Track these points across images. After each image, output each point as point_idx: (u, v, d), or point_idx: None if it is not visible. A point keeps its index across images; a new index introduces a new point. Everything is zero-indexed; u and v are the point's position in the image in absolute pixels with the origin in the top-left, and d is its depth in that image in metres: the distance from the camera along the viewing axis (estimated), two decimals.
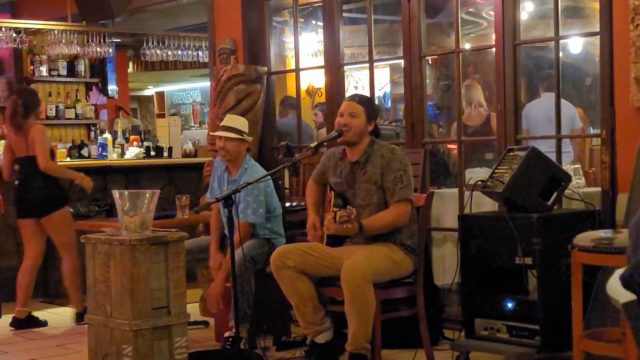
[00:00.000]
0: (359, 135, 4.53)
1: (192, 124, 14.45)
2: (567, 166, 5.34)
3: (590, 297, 4.28)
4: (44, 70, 9.99)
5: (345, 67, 6.54)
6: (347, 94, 6.82)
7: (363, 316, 4.25)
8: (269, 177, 4.76)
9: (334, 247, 4.52)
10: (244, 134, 5.20)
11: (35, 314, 6.31)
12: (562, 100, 6.25)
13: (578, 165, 5.76)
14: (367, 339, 4.31)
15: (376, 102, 6.40)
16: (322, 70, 6.55)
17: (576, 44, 8.29)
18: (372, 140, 4.58)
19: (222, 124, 5.26)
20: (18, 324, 6.06)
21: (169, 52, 10.18)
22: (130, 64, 12.70)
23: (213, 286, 5.07)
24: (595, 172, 5.74)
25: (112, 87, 10.81)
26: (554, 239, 4.36)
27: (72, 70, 10.28)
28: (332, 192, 4.64)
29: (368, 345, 4.32)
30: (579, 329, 3.87)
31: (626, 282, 1.52)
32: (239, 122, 5.25)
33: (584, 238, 3.86)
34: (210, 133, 5.24)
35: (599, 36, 4.85)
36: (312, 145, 4.65)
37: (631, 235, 1.80)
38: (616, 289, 1.60)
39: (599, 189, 4.95)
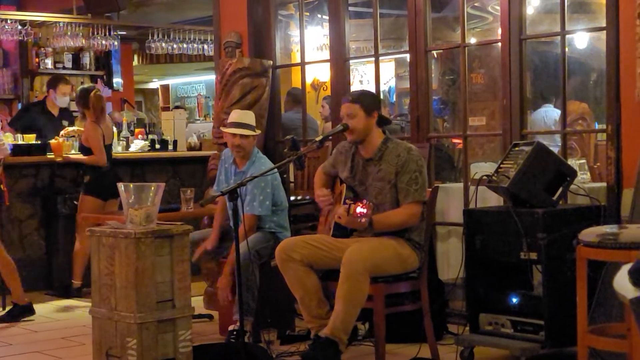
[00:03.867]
0: (363, 132, 4.50)
1: (197, 117, 14.45)
2: (573, 161, 5.34)
3: (595, 293, 4.27)
4: (49, 62, 9.98)
5: (351, 61, 6.53)
6: (352, 88, 6.81)
7: (350, 304, 4.22)
8: (275, 170, 4.75)
9: (340, 238, 4.51)
10: (255, 129, 5.21)
11: (40, 307, 6.32)
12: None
13: (583, 161, 5.76)
14: (344, 331, 4.26)
15: (381, 95, 6.36)
16: (328, 64, 6.54)
17: (582, 39, 8.27)
18: (387, 138, 4.55)
19: (234, 120, 5.21)
20: None
21: (174, 45, 10.17)
22: (136, 57, 12.70)
23: (221, 280, 5.07)
24: (601, 168, 5.73)
25: (117, 80, 10.79)
26: (559, 234, 4.35)
27: (77, 63, 10.27)
28: (344, 185, 4.62)
29: (344, 336, 4.26)
30: (584, 324, 3.87)
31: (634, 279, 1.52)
32: (250, 117, 5.24)
33: (589, 233, 3.85)
34: (226, 130, 5.21)
35: (605, 31, 4.84)
36: (318, 139, 4.65)
37: None
38: (623, 285, 1.59)
39: (604, 184, 4.95)
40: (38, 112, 8.06)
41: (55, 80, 8.16)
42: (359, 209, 4.14)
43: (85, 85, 7.38)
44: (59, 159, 7.06)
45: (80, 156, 6.91)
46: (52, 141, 7.25)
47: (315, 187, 4.80)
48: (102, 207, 6.69)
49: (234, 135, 5.13)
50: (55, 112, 8.03)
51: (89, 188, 6.75)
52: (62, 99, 8.01)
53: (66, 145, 7.26)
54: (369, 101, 4.55)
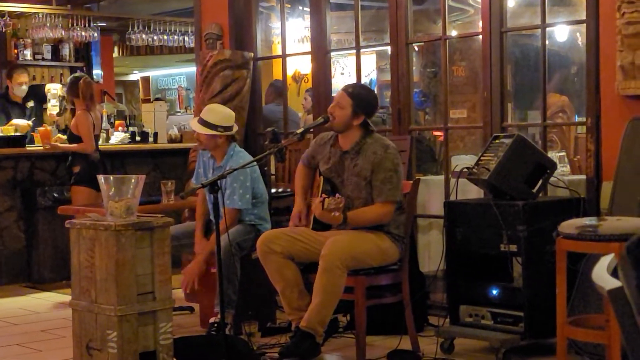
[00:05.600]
0: (342, 125, 4.48)
1: (178, 109, 14.40)
2: (553, 154, 5.36)
3: (574, 284, 4.30)
4: (28, 54, 9.91)
5: (332, 54, 6.52)
6: (334, 80, 6.81)
7: (327, 297, 4.23)
8: (254, 162, 4.74)
9: (320, 231, 4.51)
10: (218, 129, 5.08)
11: (19, 299, 6.29)
12: None
13: (563, 153, 5.78)
14: (321, 324, 4.28)
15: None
16: (309, 56, 6.53)
17: (562, 32, 8.29)
18: (366, 133, 4.54)
19: (201, 115, 5.19)
20: None
21: (155, 37, 10.13)
22: (116, 49, 12.63)
23: (190, 267, 5.05)
24: (580, 160, 5.75)
25: (97, 72, 10.73)
26: (539, 227, 4.37)
27: (56, 54, 10.20)
28: (321, 177, 4.62)
29: (320, 328, 4.29)
30: (563, 315, 3.89)
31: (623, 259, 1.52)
32: (215, 116, 5.12)
33: (569, 225, 3.87)
34: (190, 122, 5.20)
35: (585, 24, 4.87)
36: (299, 131, 4.64)
37: None
38: (602, 276, 1.60)
39: (583, 176, 4.97)
40: (4, 104, 8.04)
41: (11, 70, 8.15)
42: (327, 203, 4.14)
43: (76, 74, 7.33)
44: (46, 147, 6.98)
45: (68, 144, 6.78)
46: (40, 128, 7.21)
47: (295, 186, 4.77)
48: (96, 198, 6.60)
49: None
50: (19, 99, 8.05)
51: (80, 178, 6.61)
52: (18, 88, 7.99)
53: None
54: (363, 104, 4.48)
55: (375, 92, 10.33)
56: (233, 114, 5.27)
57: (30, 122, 7.77)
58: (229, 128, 5.14)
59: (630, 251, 1.52)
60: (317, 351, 4.34)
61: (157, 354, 4.09)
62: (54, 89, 8.05)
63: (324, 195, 4.29)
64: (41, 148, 7.21)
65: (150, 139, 8.21)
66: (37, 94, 8.34)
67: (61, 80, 10.18)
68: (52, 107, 7.91)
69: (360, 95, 4.52)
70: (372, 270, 4.43)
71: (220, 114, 5.19)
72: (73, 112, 6.87)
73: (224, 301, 4.22)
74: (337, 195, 4.24)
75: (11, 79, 8.01)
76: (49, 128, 7.18)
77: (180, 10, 10.67)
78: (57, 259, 7.07)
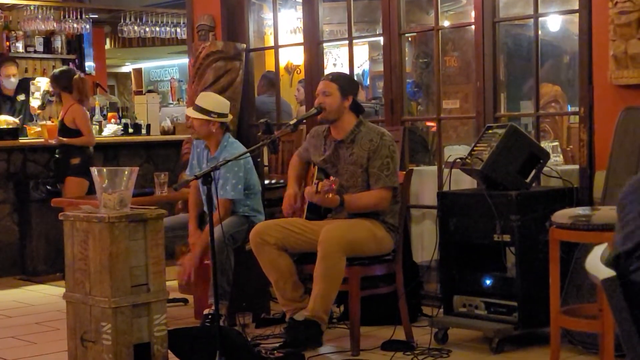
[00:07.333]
0: (335, 112, 4.51)
1: (171, 101, 14.37)
2: (546, 144, 5.37)
3: (567, 274, 4.31)
4: (20, 46, 9.88)
5: (325, 44, 6.51)
6: (326, 71, 6.80)
7: (328, 283, 4.24)
8: (248, 154, 4.74)
9: (314, 221, 4.51)
10: (212, 114, 5.09)
11: (13, 292, 6.28)
12: None
13: (556, 143, 5.79)
14: (325, 310, 4.30)
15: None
16: (301, 47, 6.52)
17: (555, 22, 8.29)
18: (360, 121, 4.55)
19: (195, 101, 5.21)
20: None
21: (147, 29, 10.10)
22: (108, 41, 12.59)
23: (187, 259, 5.05)
24: (573, 150, 5.76)
25: (89, 64, 10.70)
26: (532, 216, 4.39)
27: (48, 47, 10.17)
28: (315, 167, 4.63)
29: (325, 316, 4.30)
30: (557, 305, 3.90)
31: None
32: (209, 102, 5.14)
33: (562, 215, 3.88)
34: (187, 110, 5.21)
35: (578, 14, 4.87)
36: (291, 122, 4.64)
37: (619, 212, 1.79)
38: (595, 266, 1.60)
39: (576, 166, 4.98)
40: None
41: None
42: (321, 185, 4.16)
43: (64, 68, 7.28)
44: (52, 141, 6.96)
45: (72, 138, 6.73)
46: (49, 123, 7.19)
47: (289, 174, 4.79)
48: (88, 189, 6.62)
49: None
50: (11, 92, 8.03)
51: (79, 170, 6.59)
52: (8, 81, 7.96)
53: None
54: (347, 84, 4.58)
55: (368, 83, 10.41)
56: (228, 102, 5.28)
57: (17, 120, 7.74)
58: (223, 115, 5.14)
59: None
60: (321, 340, 4.35)
61: (151, 345, 4.09)
62: (38, 82, 8.02)
63: (317, 180, 4.30)
64: (34, 141, 7.20)
65: (143, 131, 8.20)
66: (28, 87, 8.31)
67: None
68: (34, 100, 7.89)
69: (340, 77, 4.63)
70: (367, 261, 4.45)
71: (214, 100, 5.21)
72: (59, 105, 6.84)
73: (217, 293, 4.23)
74: (331, 177, 4.25)
75: None
76: (56, 123, 7.16)
77: (172, 2, 10.64)
78: (51, 251, 7.06)
